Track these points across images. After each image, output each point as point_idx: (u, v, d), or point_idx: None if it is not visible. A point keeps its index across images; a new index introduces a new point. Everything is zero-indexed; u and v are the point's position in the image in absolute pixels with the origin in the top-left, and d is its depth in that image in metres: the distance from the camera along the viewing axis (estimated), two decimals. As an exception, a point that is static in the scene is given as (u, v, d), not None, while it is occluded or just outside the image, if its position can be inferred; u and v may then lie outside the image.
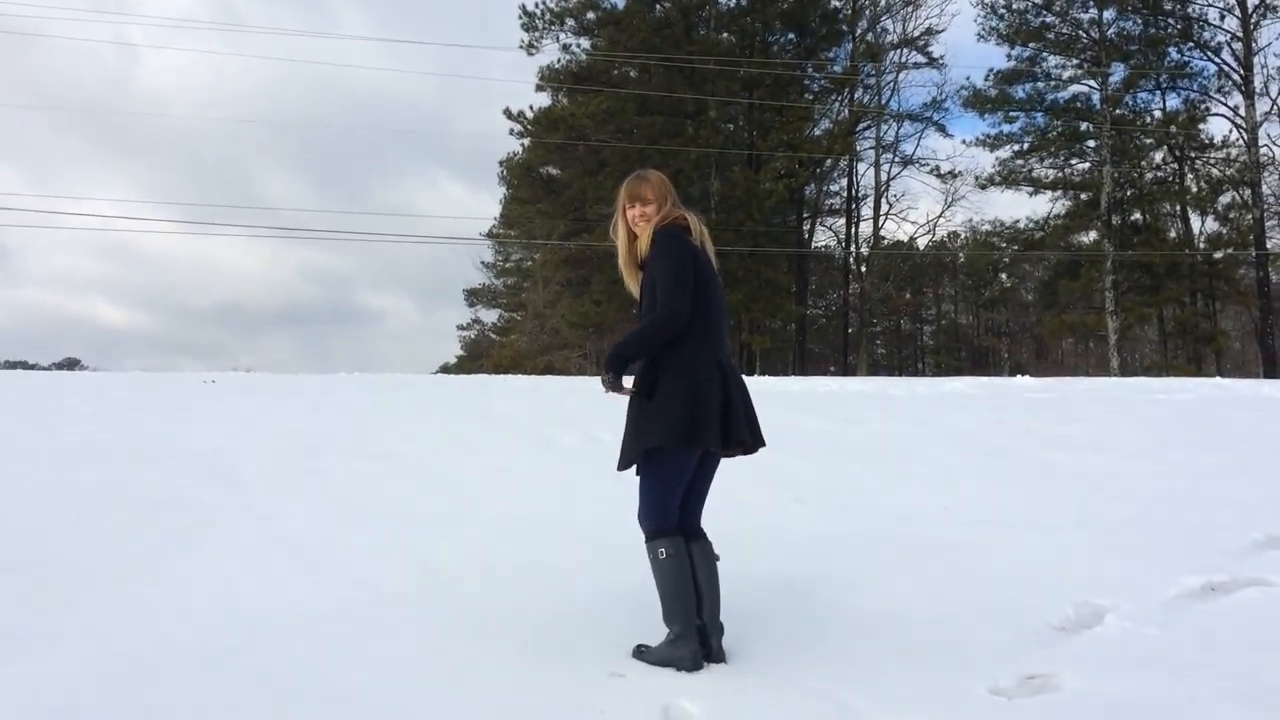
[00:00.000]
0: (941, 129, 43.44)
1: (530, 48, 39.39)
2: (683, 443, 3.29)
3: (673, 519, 3.40)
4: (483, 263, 58.32)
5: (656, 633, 3.42)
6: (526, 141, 41.06)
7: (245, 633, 3.40)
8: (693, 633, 3.27)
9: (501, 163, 44.16)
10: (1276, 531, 4.56)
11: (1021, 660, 3.25)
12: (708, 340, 3.42)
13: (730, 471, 6.16)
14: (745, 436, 3.39)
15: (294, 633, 3.42)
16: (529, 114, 39.36)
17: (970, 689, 3.02)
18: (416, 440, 7.04)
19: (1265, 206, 38.59)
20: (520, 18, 39.06)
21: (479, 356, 58.58)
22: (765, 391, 10.52)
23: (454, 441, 7.07)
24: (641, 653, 3.33)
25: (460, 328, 65.76)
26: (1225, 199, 40.16)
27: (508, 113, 39.32)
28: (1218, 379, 13.84)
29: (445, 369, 55.55)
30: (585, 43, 40.48)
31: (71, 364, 44.09)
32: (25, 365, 36.03)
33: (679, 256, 3.37)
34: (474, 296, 60.96)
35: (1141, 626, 3.49)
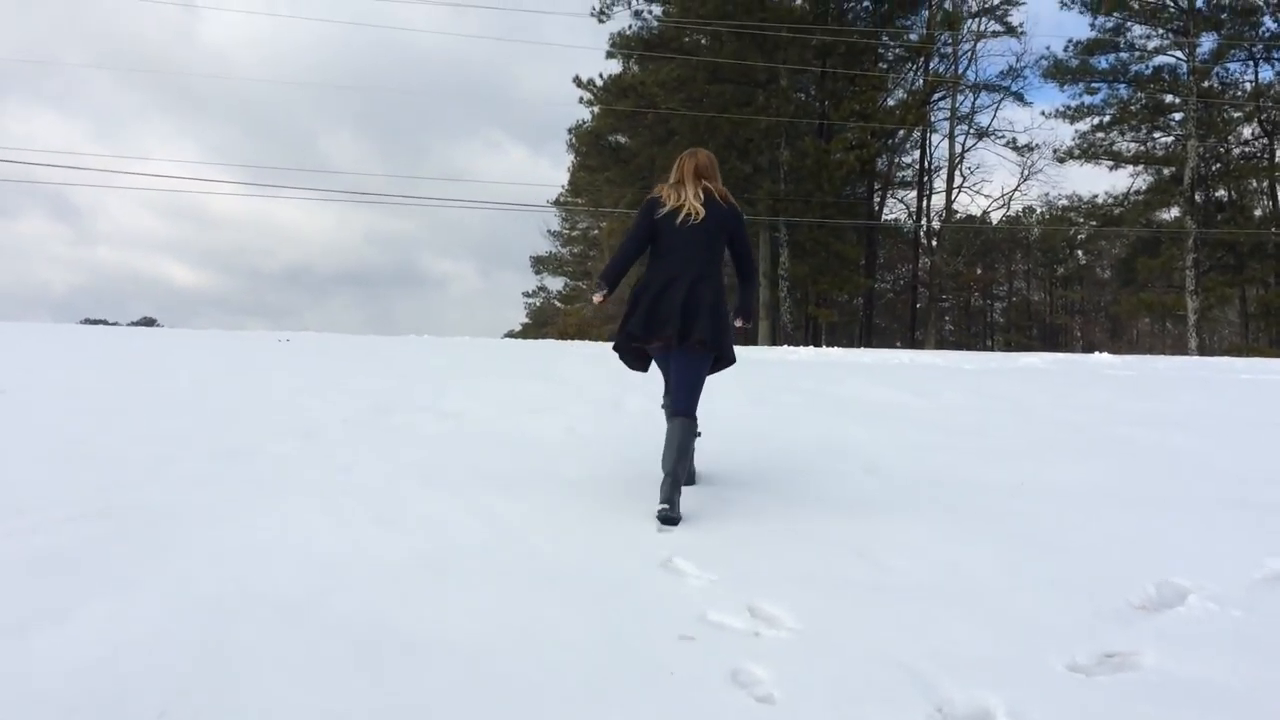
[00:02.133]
0: (1019, 99, 42.44)
1: (602, 15, 39.21)
2: (619, 342, 5.01)
3: (666, 404, 5.00)
4: (549, 230, 58.56)
5: (721, 589, 3.41)
6: (596, 109, 40.94)
7: (322, 582, 3.46)
8: (670, 481, 4.55)
9: (570, 130, 44.12)
10: (1369, 516, 4.39)
11: (1100, 637, 3.17)
12: (655, 267, 4.94)
13: (802, 441, 6.12)
14: (668, 333, 4.77)
15: (370, 583, 3.47)
16: (599, 81, 39.21)
17: (1047, 663, 2.96)
18: (486, 400, 7.09)
19: (1361, 184, 37.12)
20: (592, -16, 38.84)
21: (544, 324, 58.96)
22: (835, 363, 10.41)
23: (523, 403, 7.10)
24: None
25: (526, 295, 66.21)
26: (1317, 176, 38.65)
27: (577, 80, 39.36)
28: (1305, 361, 13.38)
29: (511, 335, 55.96)
30: (657, 9, 40.16)
31: (149, 322, 45.24)
32: (105, 323, 37.03)
33: (635, 219, 5.11)
34: (540, 264, 61.26)
35: (1226, 608, 3.39)
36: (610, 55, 39.87)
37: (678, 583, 3.64)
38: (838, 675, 2.86)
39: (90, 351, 11.61)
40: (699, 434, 4.79)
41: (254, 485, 4.83)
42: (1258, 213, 39.76)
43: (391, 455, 5.61)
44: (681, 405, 4.81)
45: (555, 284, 63.62)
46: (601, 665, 2.87)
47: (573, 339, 25.95)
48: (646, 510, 4.53)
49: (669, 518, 4.42)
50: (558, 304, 63.48)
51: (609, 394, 7.44)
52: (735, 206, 5.13)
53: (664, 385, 5.06)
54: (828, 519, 4.52)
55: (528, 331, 61.51)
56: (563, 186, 52.92)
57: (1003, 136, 42.75)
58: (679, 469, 4.64)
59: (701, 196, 5.02)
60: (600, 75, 39.66)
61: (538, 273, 62.27)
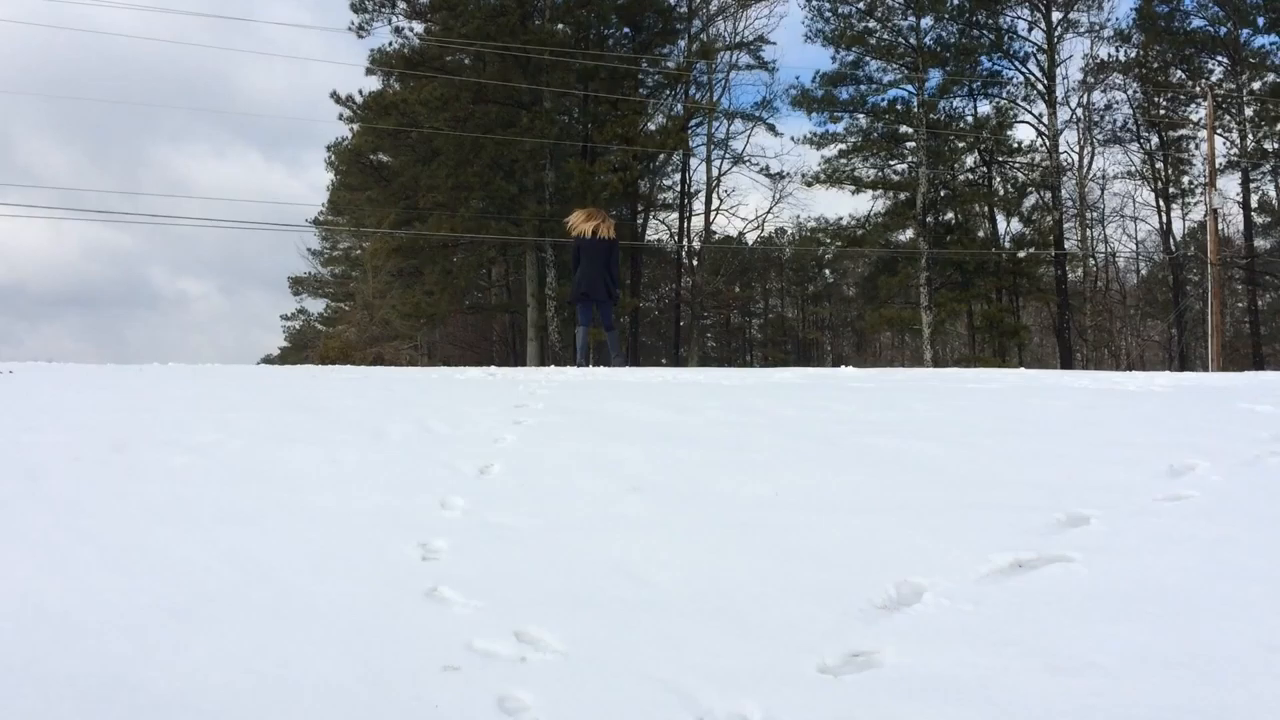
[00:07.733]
0: (771, 128, 44.62)
1: (361, 30, 38.22)
2: (574, 297, 13.51)
3: (582, 324, 13.46)
4: (309, 250, 56.43)
5: (487, 615, 3.39)
6: (356, 126, 39.85)
7: (50, 636, 3.16)
8: (613, 354, 13.69)
9: (329, 147, 42.70)
10: (1077, 511, 4.85)
11: (846, 638, 3.36)
12: (582, 265, 12.83)
13: (570, 463, 6.16)
14: (592, 293, 12.85)
15: (103, 635, 3.20)
16: (358, 98, 38.17)
17: (800, 667, 3.11)
18: (238, 431, 6.72)
19: (1064, 209, 41.47)
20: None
21: (304, 347, 56.74)
22: (602, 381, 10.54)
23: (278, 432, 6.77)
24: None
25: (285, 317, 63.57)
26: (1029, 201, 42.88)
27: (335, 96, 38.08)
28: (1022, 369, 14.77)
29: (268, 360, 53.47)
30: (419, 26, 39.58)
31: None
32: None
33: (574, 249, 13.62)
34: (299, 285, 58.93)
35: (957, 603, 3.66)
36: (370, 72, 38.87)
37: (442, 612, 3.57)
38: (604, 695, 2.89)
39: None
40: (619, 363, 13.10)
41: (-33, 535, 4.35)
42: (980, 234, 43.58)
43: (129, 494, 5.21)
44: (608, 325, 13.03)
45: (316, 306, 61.40)
46: (361, 705, 2.78)
47: (335, 363, 25.04)
48: (413, 540, 4.42)
49: (622, 365, 12.47)
50: (319, 326, 61.29)
51: (370, 421, 7.22)
52: (611, 239, 12.72)
53: (585, 316, 13.08)
54: (595, 539, 4.56)
55: (287, 355, 58.91)
56: (321, 205, 51.14)
57: (756, 163, 44.84)
58: (617, 349, 13.24)
59: (600, 230, 12.57)
60: (360, 92, 38.57)
61: (296, 294, 59.89)
